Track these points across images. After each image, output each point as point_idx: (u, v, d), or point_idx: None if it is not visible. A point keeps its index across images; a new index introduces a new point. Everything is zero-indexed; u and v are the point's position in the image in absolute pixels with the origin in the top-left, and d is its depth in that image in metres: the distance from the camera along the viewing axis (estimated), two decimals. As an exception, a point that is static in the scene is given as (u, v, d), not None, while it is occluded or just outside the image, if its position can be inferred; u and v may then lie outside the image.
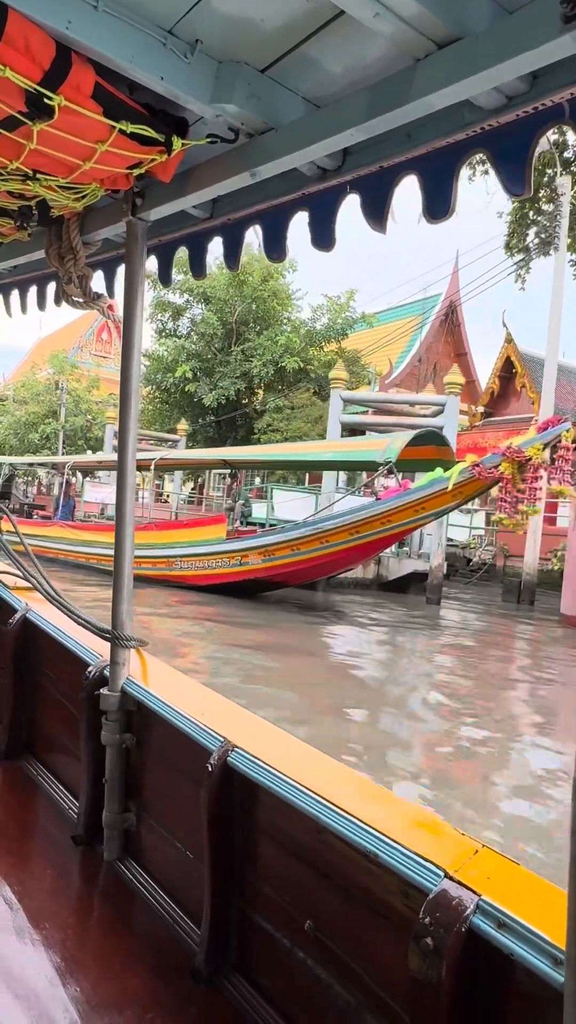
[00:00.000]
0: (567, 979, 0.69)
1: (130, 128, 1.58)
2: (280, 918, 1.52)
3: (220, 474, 28.02)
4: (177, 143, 1.66)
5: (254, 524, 19.63)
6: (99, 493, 22.15)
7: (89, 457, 22.64)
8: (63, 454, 46.66)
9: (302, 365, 23.61)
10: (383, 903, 1.26)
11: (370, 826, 1.27)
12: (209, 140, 1.70)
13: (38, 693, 2.76)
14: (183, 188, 1.91)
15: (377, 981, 1.27)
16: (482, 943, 1.05)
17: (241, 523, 17.68)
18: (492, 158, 1.44)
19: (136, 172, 1.79)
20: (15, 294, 3.00)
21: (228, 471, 20.04)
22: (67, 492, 19.93)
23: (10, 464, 24.31)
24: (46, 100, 1.45)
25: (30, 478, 35.30)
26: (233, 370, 25.03)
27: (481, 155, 1.47)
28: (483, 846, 1.24)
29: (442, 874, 1.14)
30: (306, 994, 1.43)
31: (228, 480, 21.76)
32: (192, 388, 26.70)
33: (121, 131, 1.57)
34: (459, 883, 1.12)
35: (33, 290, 2.90)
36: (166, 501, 28.59)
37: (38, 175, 1.81)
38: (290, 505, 19.04)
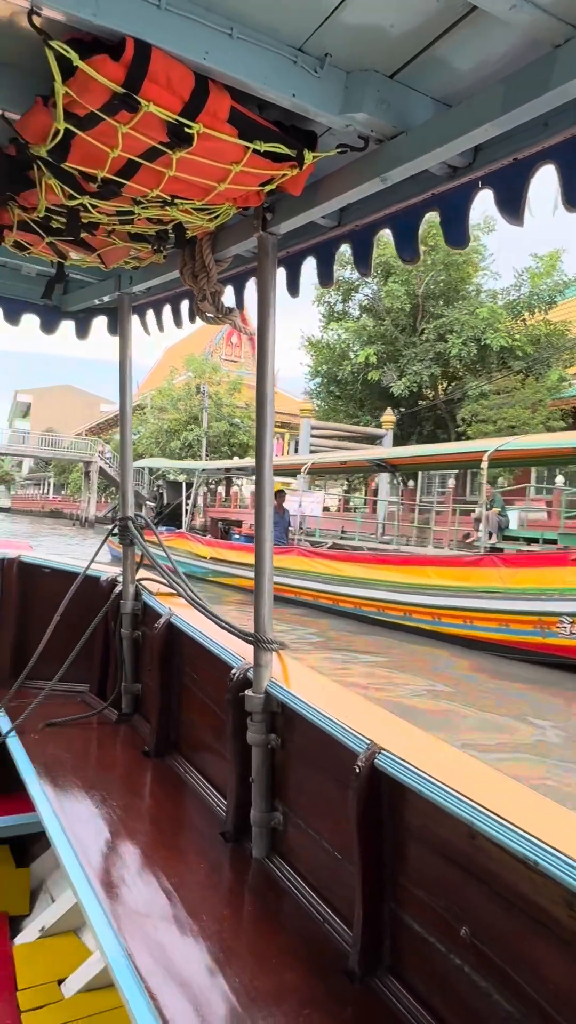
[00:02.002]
0: None
1: (263, 147, 1.64)
2: (434, 922, 1.52)
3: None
4: (309, 156, 1.71)
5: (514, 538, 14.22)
6: (293, 503, 17.69)
7: (332, 458, 18.71)
8: (207, 460, 43.58)
9: (509, 342, 18.49)
10: (545, 912, 1.22)
11: (527, 832, 1.23)
12: (339, 150, 1.75)
13: (183, 694, 2.89)
14: (312, 200, 1.96)
15: (541, 993, 1.24)
16: None
17: (498, 537, 12.41)
18: None
19: (267, 188, 1.87)
20: (150, 314, 3.21)
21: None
22: (280, 505, 15.17)
23: (202, 470, 19.99)
24: (186, 129, 1.53)
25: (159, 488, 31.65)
26: (424, 352, 20.11)
27: None
28: None
29: None
30: (464, 1001, 1.42)
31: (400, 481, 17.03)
32: (375, 376, 21.97)
33: (255, 151, 1.64)
34: None
35: (167, 309, 3.10)
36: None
37: (175, 200, 1.92)
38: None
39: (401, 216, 1.97)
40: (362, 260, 2.14)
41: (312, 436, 22.95)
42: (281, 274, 2.38)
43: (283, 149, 1.67)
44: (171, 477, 23.27)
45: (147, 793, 2.62)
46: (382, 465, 16.76)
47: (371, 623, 12.12)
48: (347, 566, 12.97)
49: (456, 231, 1.81)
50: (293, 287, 2.42)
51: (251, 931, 1.86)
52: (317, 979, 1.65)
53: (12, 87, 1.68)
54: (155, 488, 23.79)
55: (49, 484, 72.70)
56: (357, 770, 1.65)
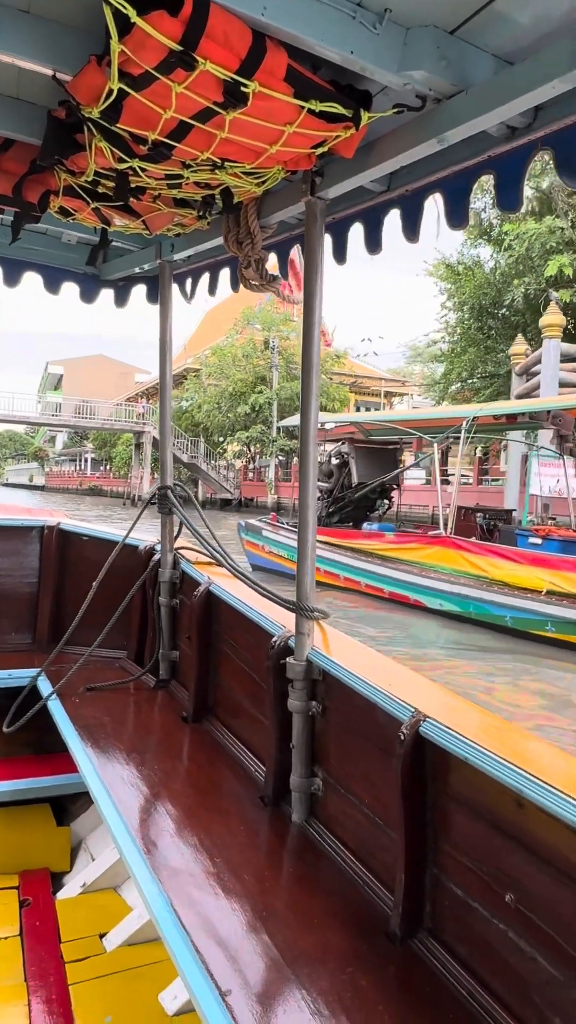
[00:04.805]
0: None
1: (319, 107, 1.65)
2: (477, 888, 1.60)
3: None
4: (365, 116, 1.73)
5: None
6: (550, 477, 11.03)
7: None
8: (277, 426, 37.19)
9: None
10: None
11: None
12: (396, 110, 1.75)
13: (221, 661, 3.05)
14: (364, 162, 1.99)
15: None
16: None
17: None
18: None
19: (319, 151, 1.88)
20: (189, 282, 3.30)
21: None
22: None
23: (472, 418, 11.67)
24: (242, 88, 1.56)
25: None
26: None
27: None
28: None
29: None
30: (507, 965, 1.50)
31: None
32: (565, 297, 15.35)
33: (310, 111, 1.66)
34: None
35: (206, 277, 3.18)
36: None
37: (226, 163, 1.93)
38: None
39: (453, 179, 1.98)
40: (410, 227, 2.14)
41: (564, 369, 14.97)
42: (327, 241, 2.46)
43: (339, 109, 1.68)
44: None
45: (186, 757, 2.75)
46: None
47: None
48: None
49: (511, 194, 1.81)
50: (340, 254, 2.46)
51: (292, 892, 1.96)
52: (359, 940, 1.73)
53: (66, 46, 1.70)
54: (331, 458, 14.60)
55: (86, 460, 66.83)
56: (401, 737, 1.70)
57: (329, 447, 14.31)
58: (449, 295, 23.64)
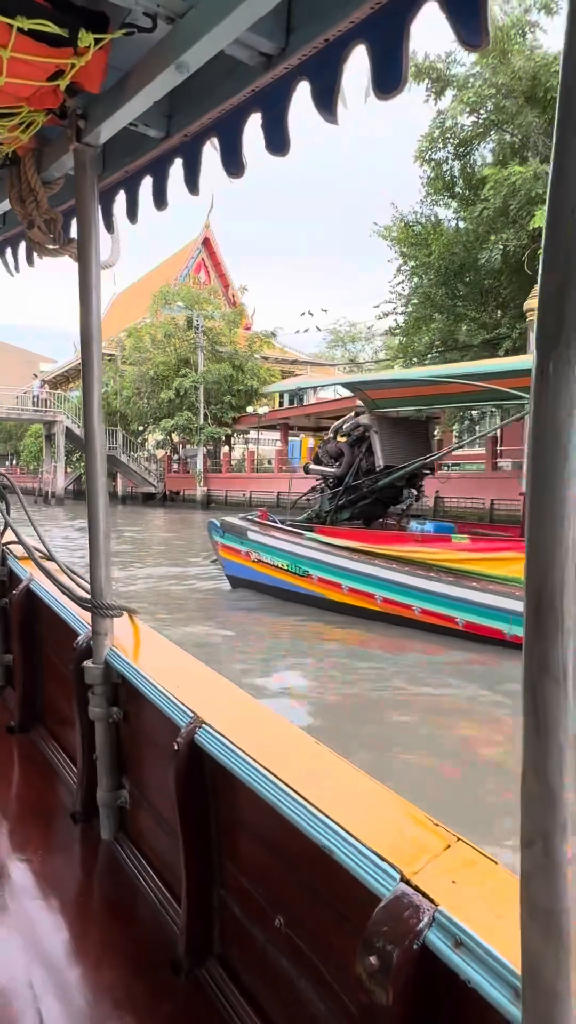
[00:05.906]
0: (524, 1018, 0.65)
1: (27, 24, 1.47)
2: (255, 911, 1.53)
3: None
4: (86, 37, 1.56)
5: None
6: None
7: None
8: (205, 412, 34.34)
9: None
10: (345, 905, 1.21)
11: (329, 818, 1.19)
12: (124, 32, 1.60)
13: (45, 665, 2.86)
14: (118, 99, 1.83)
15: (345, 990, 1.22)
16: (440, 964, 0.92)
17: None
18: (443, 4, 1.29)
19: (62, 84, 1.73)
20: (8, 252, 2.97)
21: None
22: None
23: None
24: None
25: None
26: None
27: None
28: (458, 839, 1.12)
29: (398, 877, 1.02)
30: (283, 995, 1.44)
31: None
32: None
33: (19, 30, 1.48)
34: (416, 889, 0.99)
35: (23, 246, 2.82)
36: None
37: None
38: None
39: (224, 121, 1.83)
40: (191, 176, 1.99)
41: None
42: (121, 199, 2.34)
43: (52, 28, 1.50)
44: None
45: (4, 772, 2.56)
46: None
47: None
48: None
49: (276, 134, 1.66)
50: (132, 213, 2.27)
51: (83, 924, 1.83)
52: (138, 975, 1.64)
53: None
54: (336, 435, 10.76)
55: (-13, 455, 61.87)
56: (176, 747, 1.60)
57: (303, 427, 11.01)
58: (407, 259, 21.61)
